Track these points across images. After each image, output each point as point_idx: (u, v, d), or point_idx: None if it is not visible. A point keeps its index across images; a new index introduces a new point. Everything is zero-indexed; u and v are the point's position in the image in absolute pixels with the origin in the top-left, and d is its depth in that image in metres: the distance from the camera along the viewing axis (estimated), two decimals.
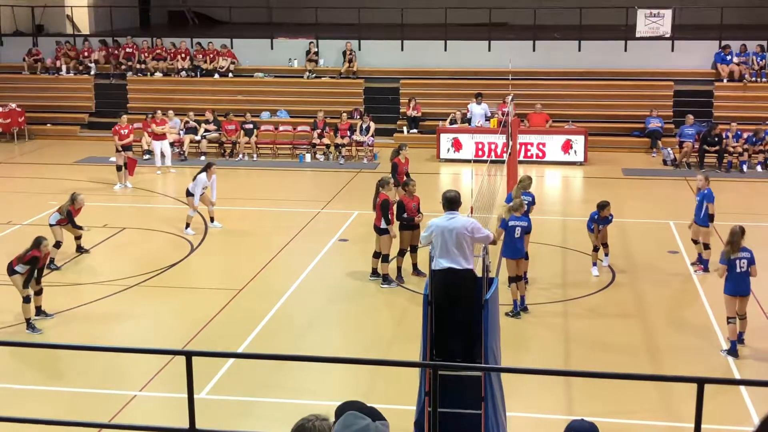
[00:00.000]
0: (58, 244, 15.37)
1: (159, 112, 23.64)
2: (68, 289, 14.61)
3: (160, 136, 22.99)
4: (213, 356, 11.31)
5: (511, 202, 14.06)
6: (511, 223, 13.22)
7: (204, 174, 17.37)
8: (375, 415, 3.87)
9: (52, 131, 27.25)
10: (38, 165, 23.62)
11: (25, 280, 12.77)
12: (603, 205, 14.76)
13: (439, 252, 8.58)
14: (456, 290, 8.46)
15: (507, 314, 12.91)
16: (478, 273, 8.71)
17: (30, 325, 12.75)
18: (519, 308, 13.23)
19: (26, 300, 12.77)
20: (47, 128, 27.32)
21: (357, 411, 3.82)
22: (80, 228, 15.93)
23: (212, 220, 17.76)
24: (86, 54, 28.72)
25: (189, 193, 17.35)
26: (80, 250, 16.19)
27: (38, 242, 13.00)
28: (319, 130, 24.14)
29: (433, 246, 8.72)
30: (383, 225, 14.49)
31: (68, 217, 15.60)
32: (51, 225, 15.55)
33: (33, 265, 12.83)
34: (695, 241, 15.24)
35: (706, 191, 14.81)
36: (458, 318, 8.38)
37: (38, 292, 13.12)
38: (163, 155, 22.92)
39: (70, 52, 28.76)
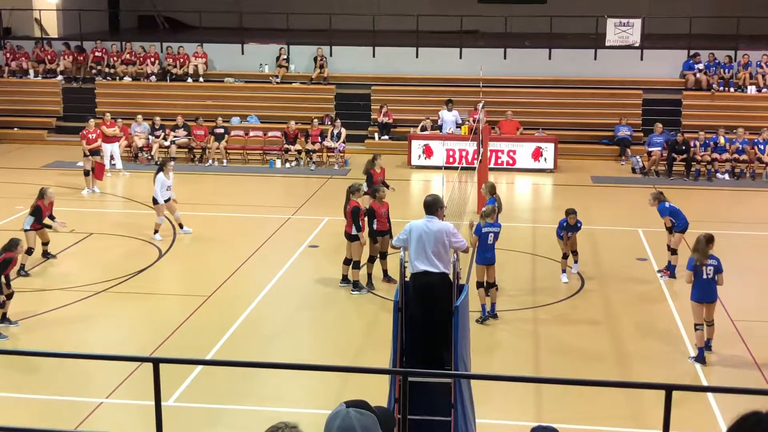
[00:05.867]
0: (29, 251, 15.09)
1: (108, 114, 23.40)
2: (35, 294, 14.42)
3: (111, 139, 22.75)
4: (181, 363, 11.20)
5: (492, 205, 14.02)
6: (484, 230, 13.25)
7: (161, 173, 17.20)
8: (364, 407, 3.81)
9: (19, 135, 26.93)
10: (5, 170, 23.30)
11: None
12: (569, 212, 14.87)
13: (416, 255, 8.54)
14: (431, 293, 8.41)
15: (477, 320, 12.94)
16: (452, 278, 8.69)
17: None
18: (487, 314, 13.26)
19: None
20: (14, 132, 27.00)
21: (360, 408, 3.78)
22: (51, 227, 15.67)
23: (181, 226, 17.61)
24: (51, 58, 28.40)
25: (155, 201, 17.18)
26: (47, 255, 15.98)
27: (14, 244, 12.79)
28: (290, 140, 24.03)
29: (405, 249, 8.69)
30: (354, 232, 14.46)
31: (37, 214, 15.35)
32: (25, 230, 15.26)
33: (3, 269, 12.62)
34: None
35: (658, 207, 15.16)
36: (431, 322, 8.34)
37: (9, 296, 12.86)
38: (112, 157, 22.70)
39: (40, 54, 28.39)
